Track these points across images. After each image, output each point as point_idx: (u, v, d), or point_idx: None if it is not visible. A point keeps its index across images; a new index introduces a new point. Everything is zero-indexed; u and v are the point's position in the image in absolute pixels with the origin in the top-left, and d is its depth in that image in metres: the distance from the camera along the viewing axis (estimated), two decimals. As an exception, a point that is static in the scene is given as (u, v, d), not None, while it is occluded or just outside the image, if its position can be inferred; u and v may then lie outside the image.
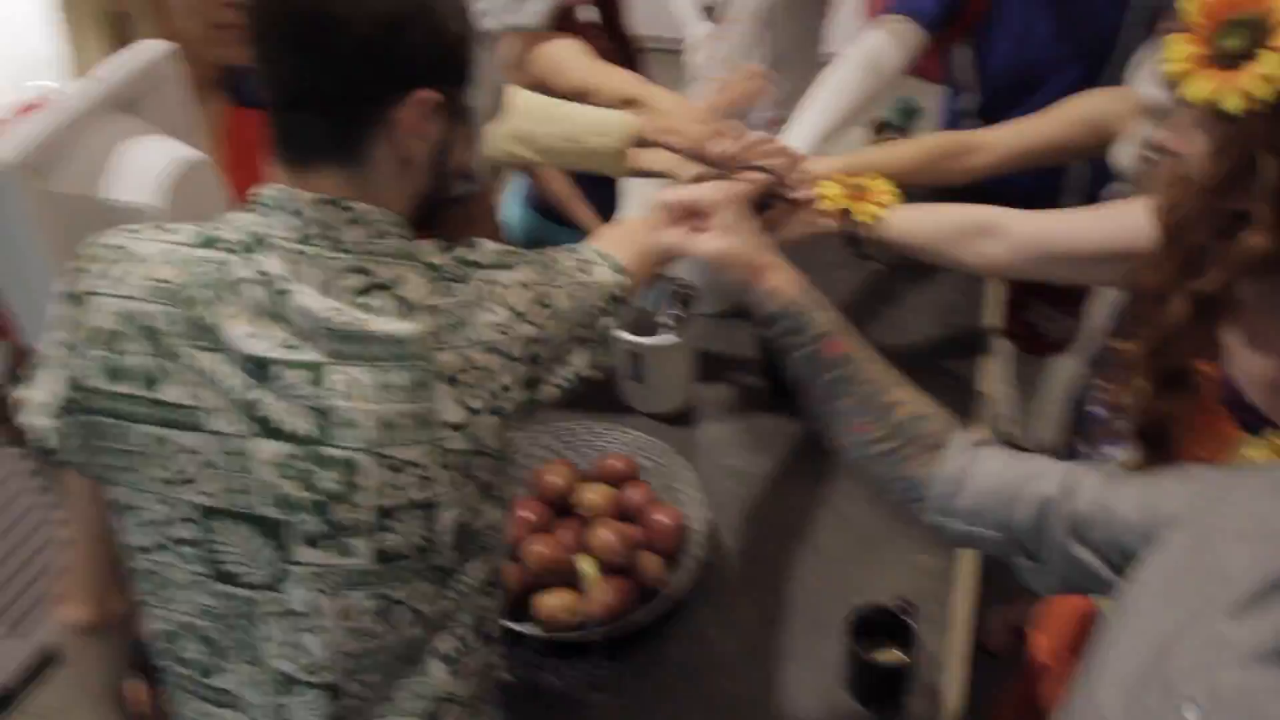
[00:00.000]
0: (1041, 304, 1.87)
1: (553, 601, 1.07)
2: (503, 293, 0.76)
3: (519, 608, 1.09)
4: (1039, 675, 1.18)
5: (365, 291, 0.71)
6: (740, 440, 1.36)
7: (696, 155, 1.16)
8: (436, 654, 0.78)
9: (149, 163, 0.89)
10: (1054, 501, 0.76)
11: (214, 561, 0.73)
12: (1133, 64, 1.31)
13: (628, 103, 1.42)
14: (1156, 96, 1.08)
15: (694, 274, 1.49)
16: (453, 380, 0.72)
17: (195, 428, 0.70)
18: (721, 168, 1.15)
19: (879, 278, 1.62)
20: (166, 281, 0.71)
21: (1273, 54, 0.65)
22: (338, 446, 0.69)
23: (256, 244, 0.71)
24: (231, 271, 0.70)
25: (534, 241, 1.69)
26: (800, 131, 1.45)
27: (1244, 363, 0.71)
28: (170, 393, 0.70)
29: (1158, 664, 0.60)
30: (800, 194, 1.24)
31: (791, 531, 1.22)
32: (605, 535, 1.12)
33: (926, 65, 1.70)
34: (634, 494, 1.20)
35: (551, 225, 1.70)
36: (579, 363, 0.84)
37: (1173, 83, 0.70)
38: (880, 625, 1.03)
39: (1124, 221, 1.01)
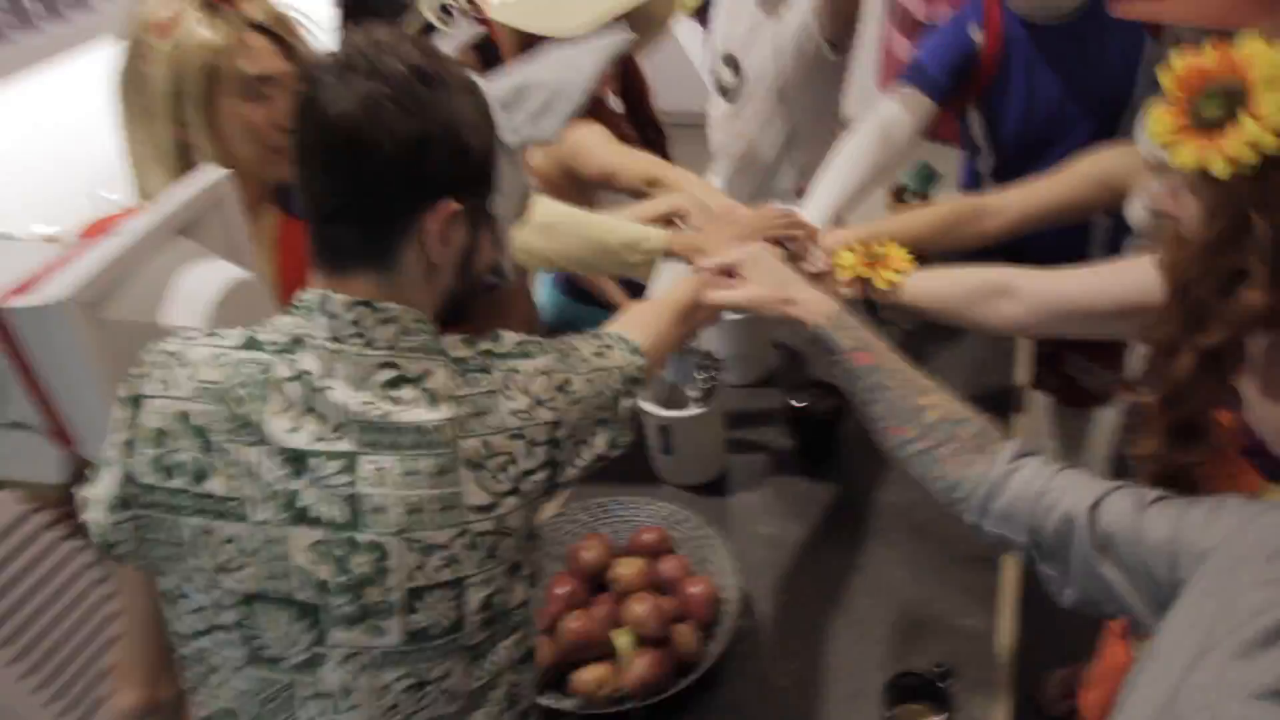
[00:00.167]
0: (1077, 357, 1.86)
1: (589, 676, 1.09)
2: (523, 381, 0.80)
3: (557, 682, 1.10)
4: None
5: (394, 385, 0.75)
6: (773, 507, 1.37)
7: (724, 271, 1.20)
8: None
9: (199, 286, 0.96)
10: (1084, 516, 0.78)
11: (254, 645, 0.76)
12: (1139, 120, 1.33)
13: (650, 183, 1.49)
14: (1157, 152, 1.10)
15: (719, 346, 1.52)
16: (476, 466, 0.75)
17: (238, 518, 0.75)
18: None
19: (906, 339, 1.63)
20: (213, 383, 0.76)
21: (1250, 119, 0.67)
22: (368, 532, 0.73)
23: (295, 345, 0.76)
24: (272, 371, 0.76)
25: (564, 322, 1.74)
26: (816, 203, 1.50)
27: (1261, 413, 0.72)
28: (216, 486, 0.75)
29: (1169, 705, 0.60)
30: (818, 266, 1.27)
31: (827, 598, 1.21)
32: (639, 609, 1.13)
33: (944, 129, 1.74)
34: (667, 566, 1.21)
35: (581, 307, 1.75)
36: (600, 444, 0.87)
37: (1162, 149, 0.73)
38: (919, 691, 1.02)
39: (1136, 276, 1.02)
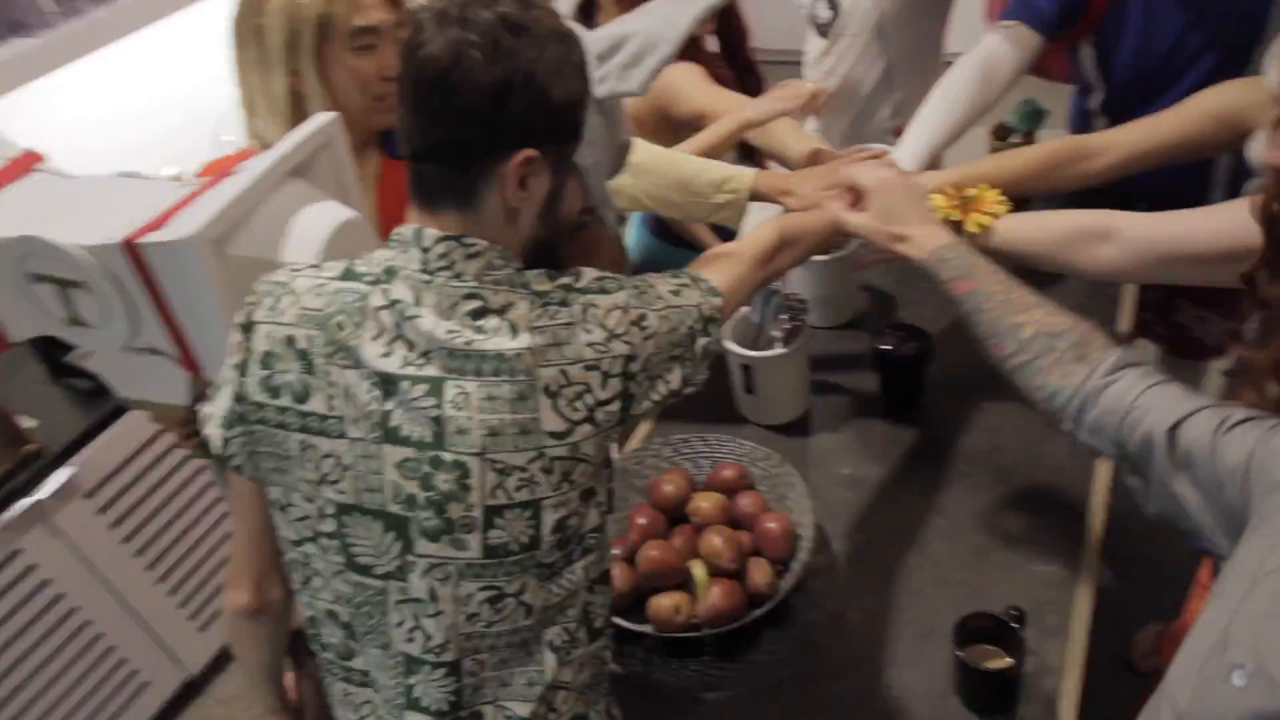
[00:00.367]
0: (1189, 304, 1.77)
1: (665, 603, 1.13)
2: (600, 315, 0.83)
3: (634, 608, 1.15)
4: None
5: (478, 315, 0.80)
6: (853, 449, 1.37)
7: (809, 205, 1.21)
8: (547, 643, 0.86)
9: (311, 224, 1.02)
10: (1164, 434, 0.79)
11: (351, 553, 0.83)
12: (1270, 52, 1.25)
13: (742, 125, 1.48)
14: None
15: (806, 287, 1.52)
16: (553, 394, 0.79)
17: (337, 435, 0.81)
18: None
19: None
20: (315, 310, 0.82)
21: None
22: (451, 451, 0.78)
23: (389, 275, 0.81)
24: (367, 300, 0.81)
25: (652, 264, 1.77)
26: (911, 145, 1.46)
27: None
28: (317, 404, 0.81)
29: (1223, 638, 0.60)
30: None
31: (903, 539, 1.22)
32: (715, 541, 1.17)
33: (1052, 65, 1.66)
34: (745, 502, 1.24)
35: (669, 248, 1.77)
36: (674, 380, 0.90)
37: None
38: (991, 633, 1.03)
39: (1242, 219, 0.98)
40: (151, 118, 2.09)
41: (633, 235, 1.87)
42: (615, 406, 0.83)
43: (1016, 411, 1.37)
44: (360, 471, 0.81)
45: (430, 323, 0.79)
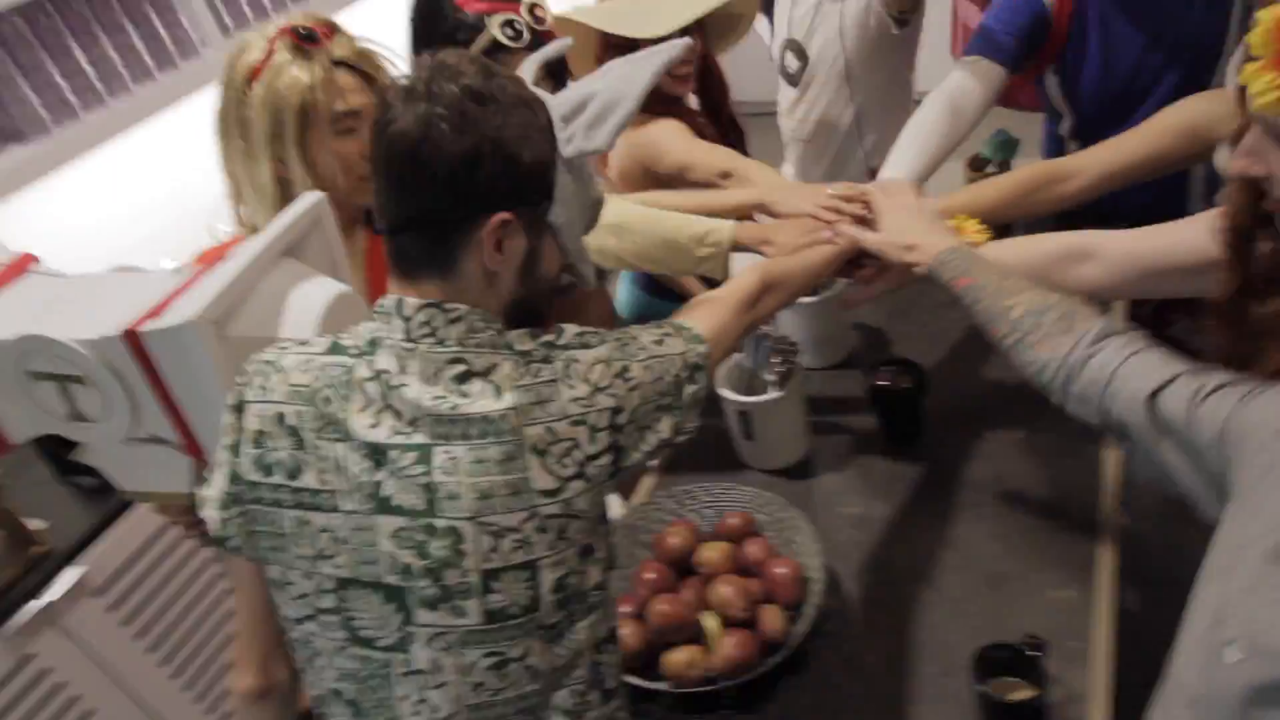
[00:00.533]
0: (1183, 317, 1.77)
1: (679, 658, 1.12)
2: (583, 369, 0.84)
3: (648, 666, 1.14)
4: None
5: (463, 379, 0.80)
6: (858, 487, 1.37)
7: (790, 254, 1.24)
8: (556, 709, 0.85)
9: (306, 301, 1.04)
10: (1145, 401, 0.81)
11: (352, 628, 0.83)
12: (1230, 64, 1.27)
13: (724, 176, 1.51)
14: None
15: (798, 329, 1.53)
16: (542, 452, 0.80)
17: (330, 509, 0.81)
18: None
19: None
20: (303, 386, 0.83)
21: None
22: (444, 517, 0.78)
23: (373, 346, 0.83)
24: (353, 372, 0.82)
25: (644, 318, 1.77)
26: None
27: None
28: (309, 480, 0.82)
29: (1216, 616, 0.61)
30: None
31: (914, 574, 1.21)
32: (725, 591, 1.16)
33: (1020, 95, 1.70)
34: (753, 549, 1.23)
35: (660, 302, 1.79)
36: (664, 430, 0.90)
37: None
38: (1011, 663, 1.01)
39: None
40: (146, 215, 2.13)
41: (622, 292, 1.89)
42: (605, 460, 0.83)
43: (1017, 437, 1.37)
44: (355, 544, 0.81)
45: (416, 390, 0.80)
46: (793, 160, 1.99)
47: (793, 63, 1.87)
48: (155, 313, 0.98)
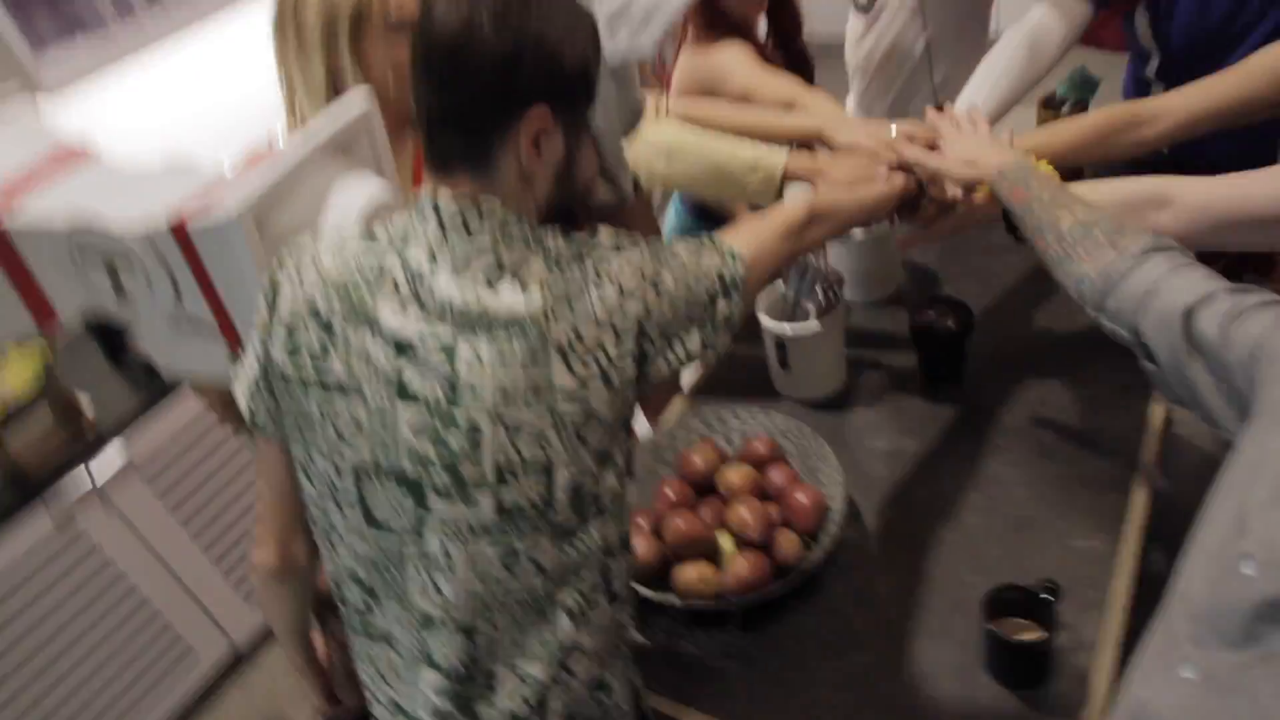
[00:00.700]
0: (1254, 277, 1.69)
1: (690, 573, 1.13)
2: (614, 273, 0.83)
3: (660, 579, 1.15)
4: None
5: (492, 274, 0.80)
6: (891, 424, 1.35)
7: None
8: (562, 606, 0.86)
9: (349, 200, 1.05)
10: (1181, 316, 0.79)
11: (368, 511, 0.85)
12: None
13: (787, 105, 1.47)
14: None
15: (843, 263, 1.50)
16: (564, 351, 0.80)
17: (353, 396, 0.83)
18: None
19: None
20: (335, 275, 0.84)
21: None
22: (464, 410, 0.79)
23: (406, 238, 0.83)
24: (385, 263, 0.83)
25: (692, 242, 1.75)
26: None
27: None
28: (334, 367, 0.83)
29: (1232, 529, 0.60)
30: (952, 190, 1.22)
31: (937, 512, 1.20)
32: (743, 513, 1.16)
33: (1105, 34, 1.60)
34: (775, 475, 1.23)
35: (709, 226, 1.76)
36: (692, 344, 0.88)
37: None
38: (1023, 606, 1.00)
39: None
40: (209, 116, 2.16)
41: (671, 215, 1.86)
42: (629, 365, 0.83)
43: (1061, 386, 1.33)
44: (376, 432, 0.82)
45: (444, 283, 0.80)
46: (857, 93, 1.92)
47: None
48: (202, 206, 1.01)
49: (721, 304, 0.91)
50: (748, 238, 0.99)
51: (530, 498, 0.81)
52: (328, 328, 0.83)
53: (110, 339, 1.88)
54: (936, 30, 1.76)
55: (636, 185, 1.28)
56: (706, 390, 1.49)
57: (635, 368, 0.84)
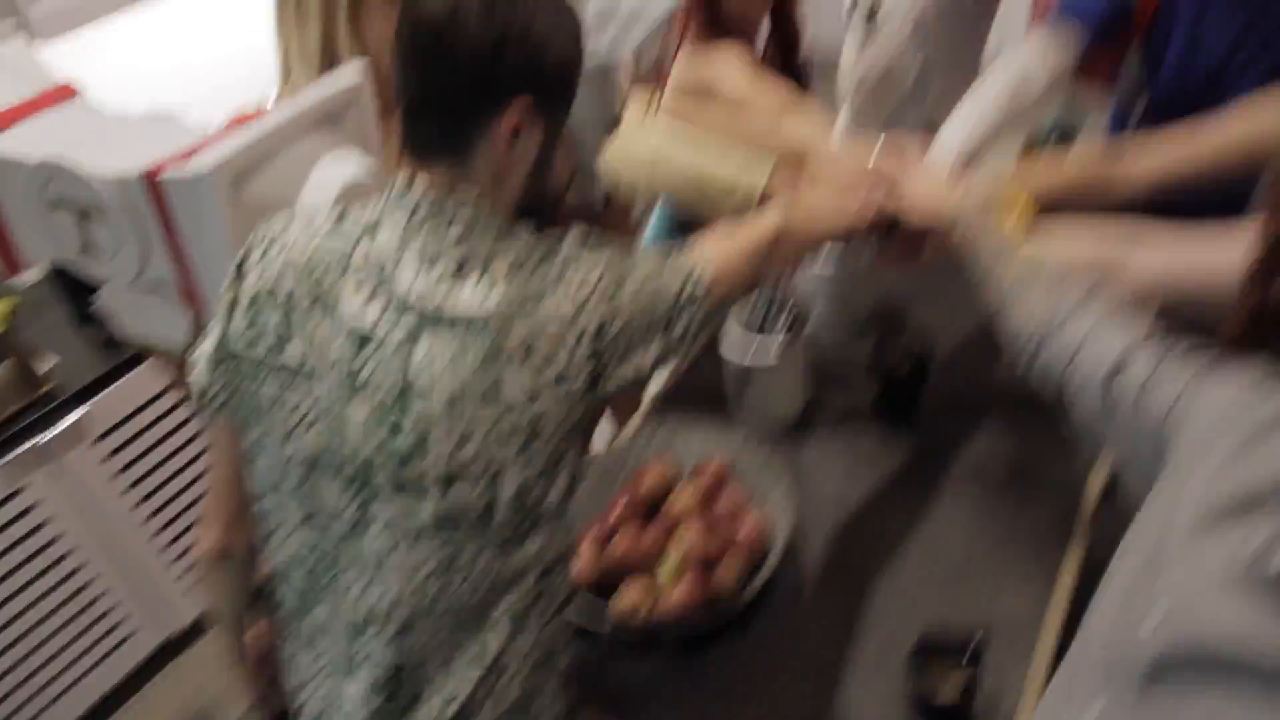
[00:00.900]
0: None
1: (629, 594, 1.12)
2: (576, 280, 0.83)
3: (599, 596, 1.14)
4: None
5: (459, 268, 0.80)
6: (842, 459, 1.36)
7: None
8: (496, 618, 0.85)
9: (328, 177, 1.04)
10: (1100, 382, 0.81)
11: (310, 508, 0.84)
12: None
13: (778, 114, 1.47)
14: None
15: (812, 296, 1.51)
16: (520, 357, 0.79)
17: (308, 386, 0.82)
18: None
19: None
20: (303, 257, 0.84)
21: None
22: (414, 410, 0.79)
23: (377, 224, 0.83)
24: (353, 247, 0.82)
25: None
26: (942, 149, 1.44)
27: None
28: (291, 355, 0.83)
29: (1146, 569, 0.61)
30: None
31: (878, 552, 1.21)
32: (688, 536, 1.16)
33: (1095, 70, 1.62)
34: (724, 499, 1.23)
35: (687, 236, 1.77)
36: (648, 359, 0.88)
37: None
38: (951, 649, 1.01)
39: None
40: (197, 72, 2.15)
41: (653, 222, 1.87)
42: (583, 378, 0.83)
43: (1014, 430, 1.35)
44: (327, 425, 0.82)
45: (409, 275, 0.80)
46: (850, 109, 1.94)
47: (865, 6, 1.82)
48: (178, 160, 1.00)
49: (680, 323, 0.91)
50: (715, 255, 0.98)
51: (473, 503, 0.81)
52: (290, 310, 0.83)
53: (78, 298, 1.85)
54: (934, 50, 1.79)
55: (610, 193, 1.28)
56: (670, 402, 1.50)
57: (589, 379, 0.84)
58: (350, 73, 1.10)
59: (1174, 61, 1.46)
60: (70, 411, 1.77)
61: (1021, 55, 1.47)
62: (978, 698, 0.99)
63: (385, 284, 0.80)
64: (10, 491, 1.71)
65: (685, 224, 1.79)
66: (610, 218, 1.55)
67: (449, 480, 0.80)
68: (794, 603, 1.16)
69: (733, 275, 0.99)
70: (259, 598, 1.05)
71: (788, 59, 1.71)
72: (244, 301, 0.85)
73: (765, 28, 1.69)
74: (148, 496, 1.93)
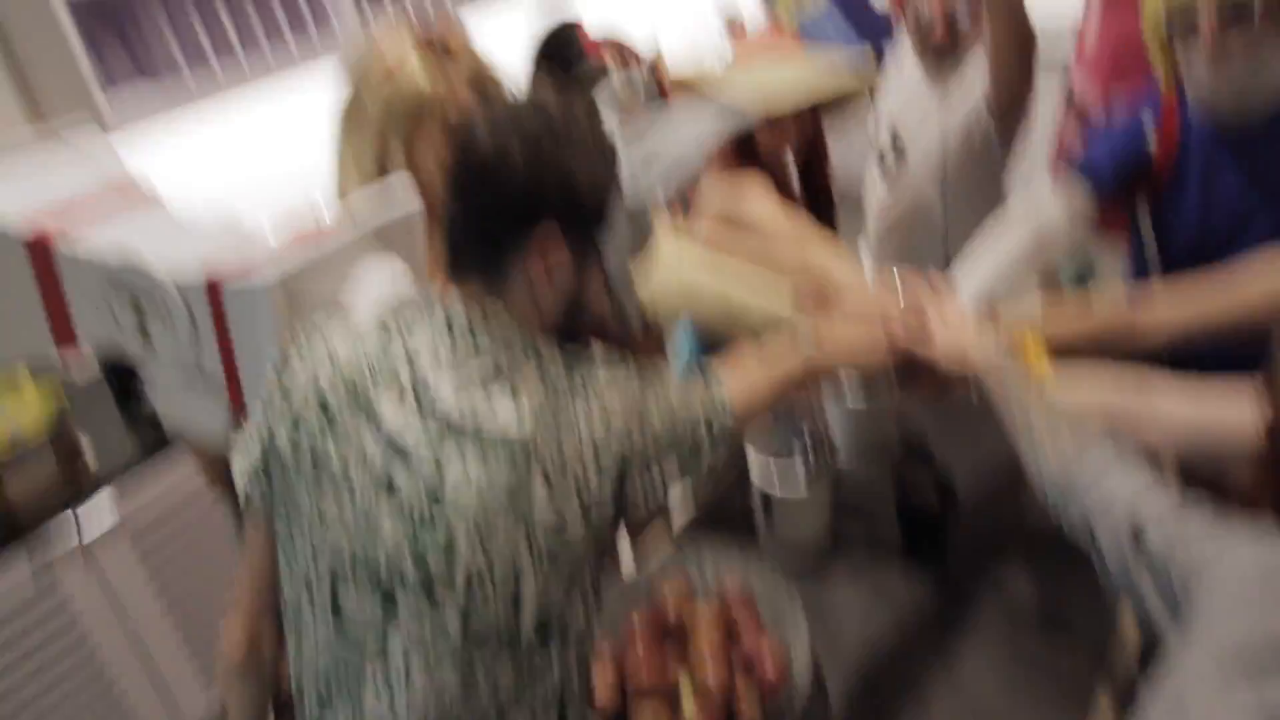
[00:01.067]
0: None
1: (646, 717, 1.10)
2: (603, 407, 0.85)
3: (618, 714, 1.12)
4: None
5: (490, 383, 0.83)
6: (867, 597, 1.34)
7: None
8: None
9: (373, 287, 1.09)
10: (1129, 531, 0.82)
11: (337, 608, 0.85)
12: None
13: (800, 248, 1.51)
14: None
15: (839, 430, 1.52)
16: (547, 479, 0.81)
17: (342, 488, 0.84)
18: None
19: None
20: (344, 363, 0.86)
21: None
22: (443, 519, 0.80)
23: (413, 335, 0.86)
24: (391, 357, 0.85)
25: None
26: (963, 295, 1.47)
27: None
28: (330, 457, 0.85)
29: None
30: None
31: (904, 689, 1.18)
32: (706, 658, 1.14)
33: (1111, 220, 1.66)
34: (743, 624, 1.21)
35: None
36: (669, 482, 0.90)
37: None
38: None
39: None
40: (253, 170, 2.23)
41: (682, 342, 1.90)
42: (608, 502, 0.84)
43: (1044, 571, 1.33)
44: (359, 525, 0.83)
45: (442, 383, 0.82)
46: (872, 242, 1.99)
47: (889, 149, 1.88)
48: (241, 270, 1.05)
49: (705, 452, 0.93)
50: (741, 387, 1.00)
51: (497, 619, 0.81)
52: (331, 418, 0.85)
53: (124, 386, 1.88)
54: (954, 197, 1.84)
55: (648, 320, 1.31)
56: (696, 525, 1.49)
57: (614, 504, 0.85)
58: (408, 198, 1.15)
59: (1186, 229, 1.50)
60: (107, 500, 1.78)
61: (1042, 204, 1.51)
62: None
63: (419, 392, 0.83)
64: (45, 586, 1.70)
65: (712, 343, 1.82)
66: (647, 344, 1.58)
67: (472, 592, 0.80)
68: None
69: (759, 406, 1.02)
70: (280, 704, 1.04)
71: (813, 186, 1.76)
72: (289, 408, 0.87)
73: (792, 161, 1.75)
74: (174, 585, 1.91)
